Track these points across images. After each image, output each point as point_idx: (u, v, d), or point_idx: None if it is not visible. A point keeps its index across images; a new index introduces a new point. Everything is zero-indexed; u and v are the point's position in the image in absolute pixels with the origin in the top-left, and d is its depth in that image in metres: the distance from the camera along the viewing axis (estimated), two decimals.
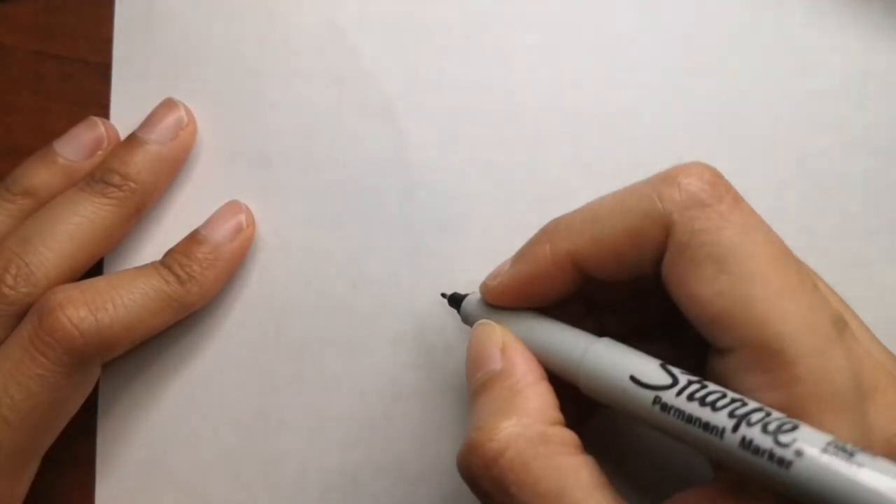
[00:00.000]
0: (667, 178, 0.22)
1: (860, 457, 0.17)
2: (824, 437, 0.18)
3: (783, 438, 0.18)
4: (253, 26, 0.31)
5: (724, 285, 0.20)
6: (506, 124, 0.30)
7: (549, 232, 0.24)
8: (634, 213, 0.22)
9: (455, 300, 0.28)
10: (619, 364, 0.22)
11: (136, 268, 0.29)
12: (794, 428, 0.18)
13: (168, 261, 0.28)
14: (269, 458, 0.30)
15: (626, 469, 0.28)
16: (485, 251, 0.29)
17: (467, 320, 0.27)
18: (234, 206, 0.30)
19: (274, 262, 0.30)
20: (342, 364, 0.30)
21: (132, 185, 0.28)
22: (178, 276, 0.28)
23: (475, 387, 0.24)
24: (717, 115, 0.30)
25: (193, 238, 0.29)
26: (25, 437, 0.26)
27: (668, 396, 0.20)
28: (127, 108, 0.30)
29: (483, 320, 0.25)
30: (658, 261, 0.22)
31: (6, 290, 0.26)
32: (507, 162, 0.30)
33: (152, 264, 0.28)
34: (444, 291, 0.28)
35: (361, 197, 0.30)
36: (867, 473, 0.17)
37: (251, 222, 0.30)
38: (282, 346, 0.30)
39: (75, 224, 0.27)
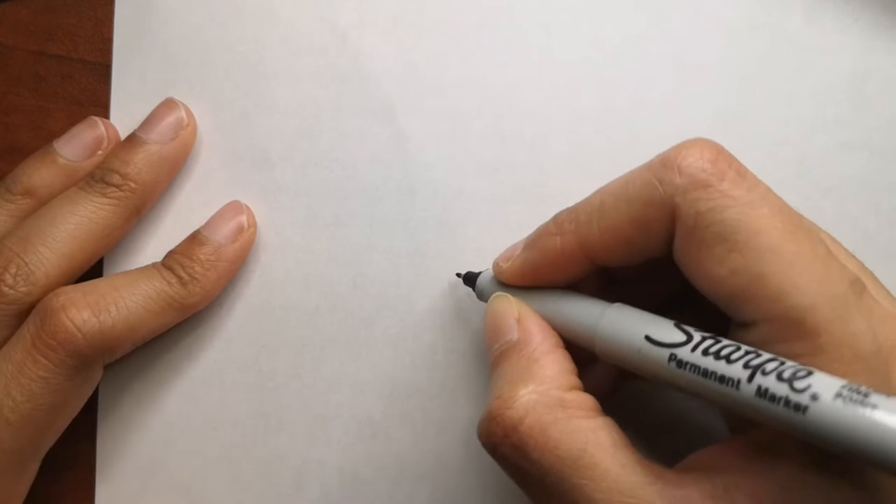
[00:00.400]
0: (666, 160, 0.22)
1: (874, 397, 0.17)
2: (838, 381, 0.18)
3: (798, 385, 0.18)
4: (253, 26, 0.31)
5: (736, 263, 0.20)
6: (506, 124, 0.30)
7: (559, 223, 0.24)
8: (638, 202, 0.22)
9: (469, 279, 0.28)
10: (634, 326, 0.22)
11: (137, 269, 0.28)
12: (809, 374, 0.18)
13: (169, 262, 0.28)
14: (269, 458, 0.30)
15: (647, 433, 0.28)
16: (485, 251, 0.30)
17: (482, 296, 0.27)
18: (235, 207, 0.30)
19: (274, 262, 0.30)
20: (342, 364, 0.30)
21: (132, 184, 0.28)
22: (179, 278, 0.28)
23: (493, 357, 0.24)
24: (716, 115, 0.30)
25: (195, 239, 0.29)
26: (26, 439, 0.26)
27: (684, 353, 0.20)
28: (127, 108, 0.31)
29: (498, 293, 0.26)
30: (668, 244, 0.22)
31: (6, 289, 0.26)
32: (507, 162, 0.30)
33: (154, 265, 0.28)
34: (458, 271, 0.29)
35: (361, 197, 0.30)
36: (881, 413, 0.17)
37: (252, 223, 0.30)
38: (282, 346, 0.30)
39: (75, 223, 0.27)
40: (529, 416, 0.21)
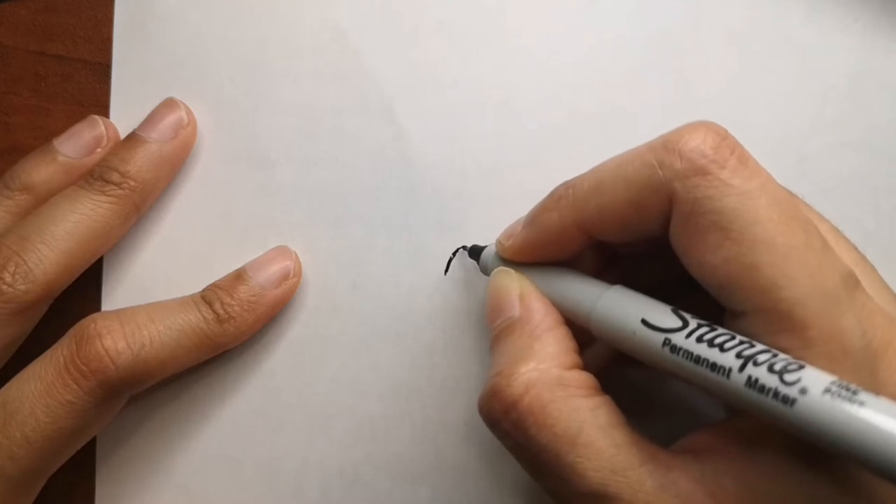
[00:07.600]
0: (668, 143, 0.21)
1: (863, 395, 0.17)
2: (828, 377, 0.18)
3: (788, 378, 0.18)
4: (253, 26, 0.31)
5: (729, 252, 0.20)
6: (506, 124, 0.30)
7: (557, 200, 0.24)
8: (636, 183, 0.22)
9: (475, 252, 0.28)
10: (631, 308, 0.22)
11: (176, 299, 0.28)
12: (800, 368, 0.18)
13: (209, 295, 0.28)
14: (269, 458, 0.30)
15: (647, 411, 0.28)
16: None
17: (486, 271, 0.27)
18: (283, 252, 0.30)
19: None
20: (342, 364, 0.30)
21: (132, 183, 0.28)
22: (217, 315, 0.28)
23: (495, 333, 0.24)
24: (716, 115, 0.30)
25: (239, 276, 0.29)
26: (43, 459, 0.26)
27: (678, 339, 0.20)
28: (127, 108, 0.31)
29: (501, 267, 0.26)
30: (665, 226, 0.22)
31: (5, 287, 0.26)
32: (507, 162, 0.30)
33: (192, 298, 0.28)
34: (464, 244, 0.29)
35: (361, 197, 0.30)
36: (868, 412, 0.17)
37: (298, 272, 0.30)
38: (282, 346, 0.30)
39: (74, 221, 0.27)
40: (529, 393, 0.22)
